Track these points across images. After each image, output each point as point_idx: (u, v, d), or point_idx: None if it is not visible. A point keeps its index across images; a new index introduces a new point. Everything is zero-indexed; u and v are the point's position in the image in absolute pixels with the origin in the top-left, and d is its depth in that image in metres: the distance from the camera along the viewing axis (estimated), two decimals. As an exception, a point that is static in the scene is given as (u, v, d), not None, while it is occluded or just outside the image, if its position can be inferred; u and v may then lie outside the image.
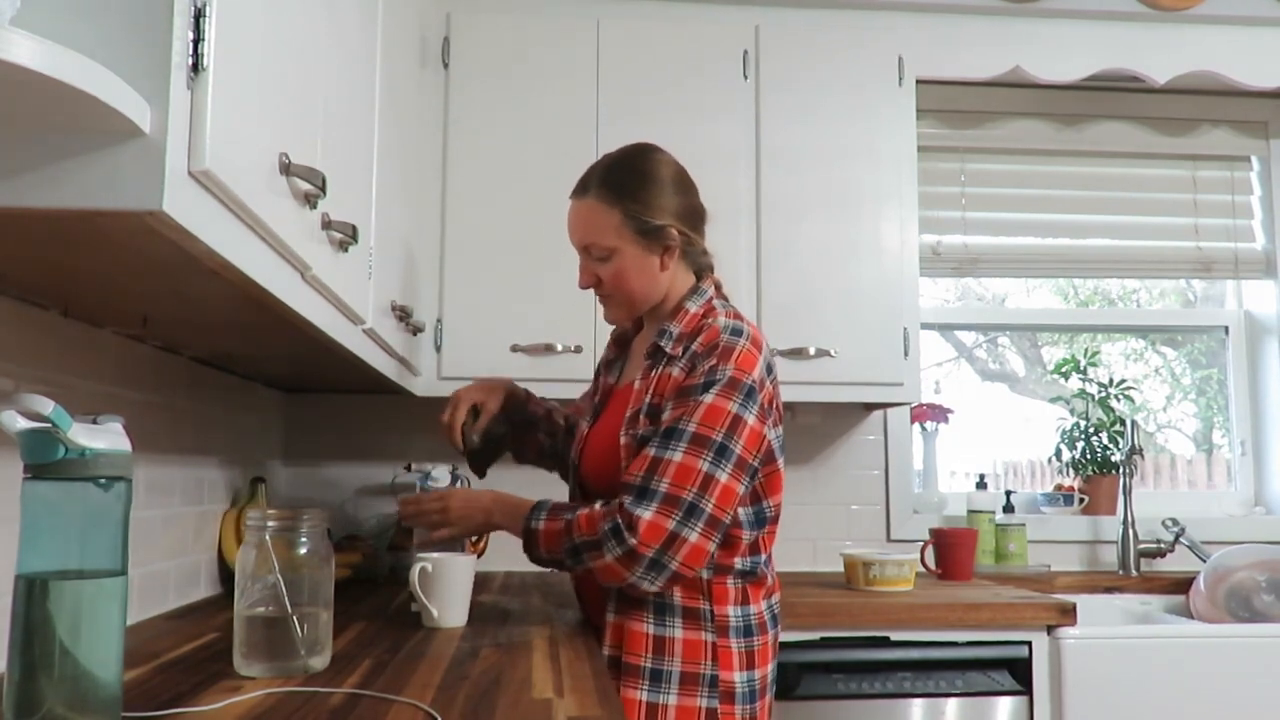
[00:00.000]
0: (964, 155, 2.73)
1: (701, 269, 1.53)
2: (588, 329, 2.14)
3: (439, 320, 2.13)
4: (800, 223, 2.22)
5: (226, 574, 1.89)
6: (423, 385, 2.12)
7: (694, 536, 1.29)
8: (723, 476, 1.31)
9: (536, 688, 1.08)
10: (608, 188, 1.46)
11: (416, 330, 1.88)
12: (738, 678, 1.36)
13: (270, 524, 1.11)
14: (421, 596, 1.45)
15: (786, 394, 2.16)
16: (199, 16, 0.73)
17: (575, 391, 2.16)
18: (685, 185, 1.50)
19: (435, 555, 1.48)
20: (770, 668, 1.42)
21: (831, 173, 2.23)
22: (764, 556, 1.44)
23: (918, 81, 2.31)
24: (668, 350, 1.42)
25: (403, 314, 1.69)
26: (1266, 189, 2.76)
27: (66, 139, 0.69)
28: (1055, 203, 2.74)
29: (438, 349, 2.13)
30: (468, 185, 2.16)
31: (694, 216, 1.50)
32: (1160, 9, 2.39)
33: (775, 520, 1.45)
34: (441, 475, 1.90)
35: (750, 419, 1.34)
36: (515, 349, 2.13)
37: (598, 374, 1.69)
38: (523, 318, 2.14)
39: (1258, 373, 2.78)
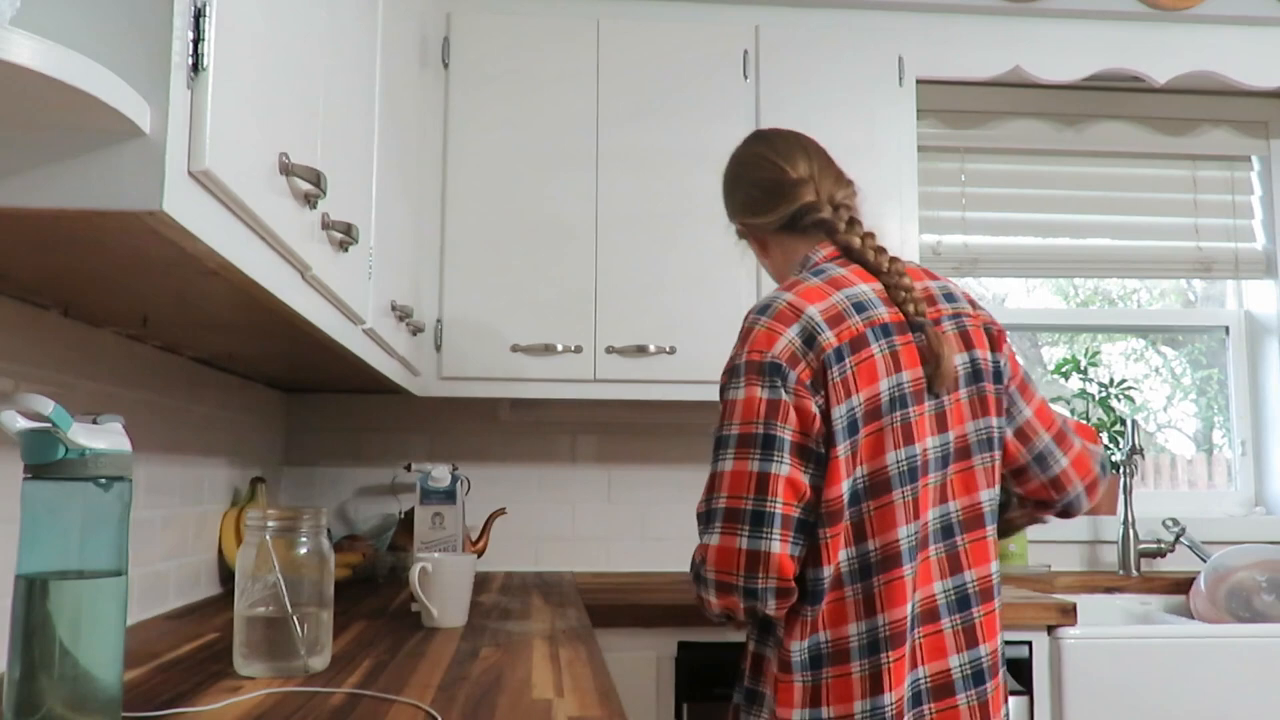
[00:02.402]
0: (964, 155, 2.72)
1: (808, 231, 1.39)
2: (588, 329, 2.14)
3: (439, 320, 2.13)
4: (800, 223, 2.22)
5: (226, 574, 1.89)
6: (423, 385, 2.12)
7: (763, 545, 1.17)
8: (778, 468, 1.18)
9: (536, 688, 1.08)
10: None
11: (416, 330, 1.88)
12: (795, 715, 1.20)
13: (270, 524, 1.11)
14: (421, 596, 1.45)
15: (786, 394, 2.16)
16: (199, 16, 0.73)
17: (575, 391, 2.17)
18: (741, 173, 1.47)
19: (435, 555, 1.48)
20: (859, 705, 1.19)
21: (831, 173, 2.23)
22: (827, 570, 1.20)
23: (918, 81, 2.31)
24: None
25: (403, 314, 1.69)
26: (1267, 189, 2.76)
27: (66, 139, 0.69)
28: (1055, 203, 2.74)
29: (438, 349, 2.13)
30: (468, 185, 2.16)
31: (754, 200, 1.43)
32: (1160, 9, 2.39)
33: (839, 518, 1.20)
34: (442, 475, 1.90)
35: (775, 395, 1.21)
36: (515, 349, 2.13)
37: None
38: (523, 318, 2.14)
39: (1258, 373, 2.78)
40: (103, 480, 0.79)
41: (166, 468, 1.62)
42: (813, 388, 1.21)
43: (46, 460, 0.77)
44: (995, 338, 1.36)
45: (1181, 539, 2.51)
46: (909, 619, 1.21)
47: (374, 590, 1.96)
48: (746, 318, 1.28)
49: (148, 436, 1.54)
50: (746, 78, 2.24)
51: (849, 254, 1.35)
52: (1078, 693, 1.87)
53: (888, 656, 1.19)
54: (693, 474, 2.49)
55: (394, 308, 1.65)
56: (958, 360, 1.30)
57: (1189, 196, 2.77)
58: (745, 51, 2.24)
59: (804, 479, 1.19)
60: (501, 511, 2.29)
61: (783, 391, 1.20)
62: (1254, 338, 2.80)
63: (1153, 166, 2.77)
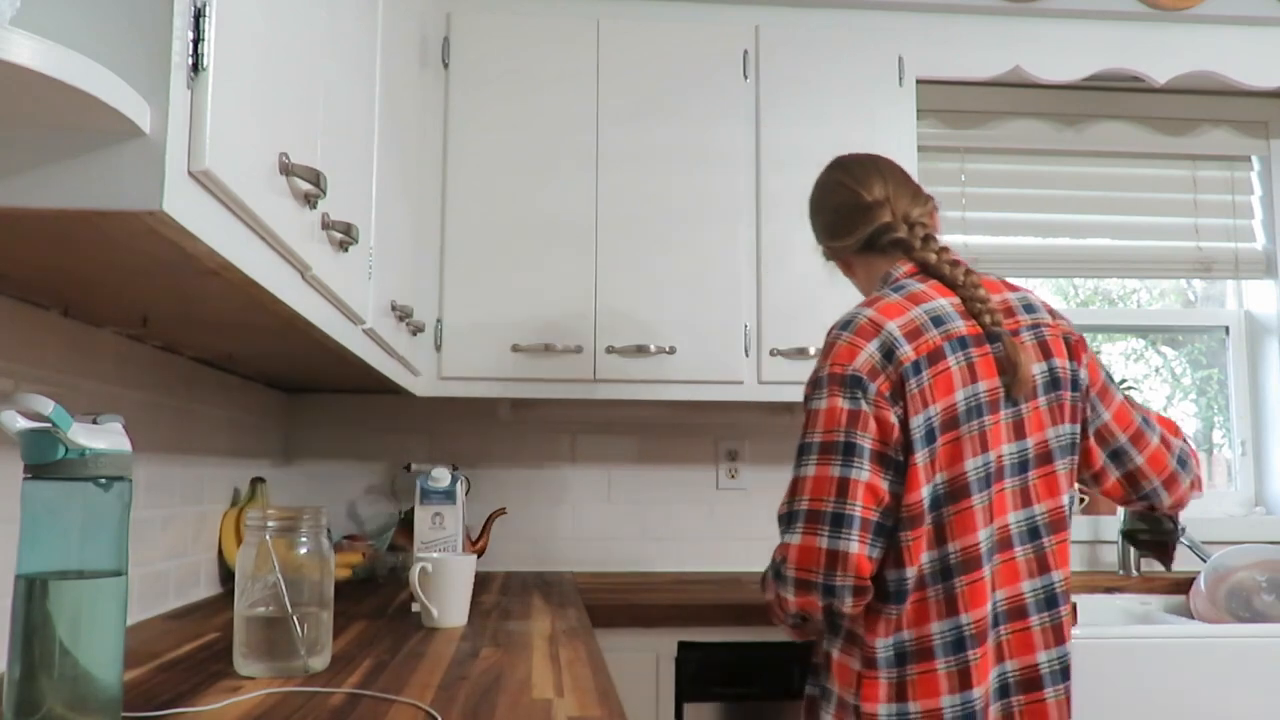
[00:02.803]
0: (964, 155, 2.72)
1: (887, 249, 1.48)
2: (588, 329, 2.14)
3: (439, 320, 2.13)
4: (800, 223, 2.21)
5: (226, 574, 1.89)
6: (423, 385, 2.12)
7: (841, 545, 1.24)
8: (858, 474, 1.26)
9: (536, 688, 1.08)
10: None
11: (416, 330, 1.88)
12: (882, 710, 1.26)
13: (270, 524, 1.11)
14: (421, 596, 1.45)
15: (787, 394, 2.17)
16: (199, 16, 0.73)
17: (575, 391, 2.17)
18: (823, 199, 1.56)
19: (435, 555, 1.48)
20: (948, 700, 1.25)
21: (831, 173, 2.23)
22: (909, 572, 1.27)
23: (918, 81, 2.31)
24: None
25: (403, 314, 1.69)
26: (1267, 189, 2.76)
27: (66, 139, 0.69)
28: (1055, 203, 2.74)
29: (438, 349, 2.13)
30: (468, 185, 2.16)
31: (835, 224, 1.53)
32: (1160, 9, 2.39)
33: (919, 522, 1.28)
34: (441, 475, 1.90)
35: (856, 405, 1.28)
36: (515, 349, 2.13)
37: None
38: (523, 318, 2.14)
39: (1258, 373, 2.78)
40: (103, 480, 0.79)
41: (166, 468, 1.62)
42: (892, 399, 1.28)
43: (46, 460, 0.77)
44: (1074, 347, 1.42)
45: (1181, 539, 2.51)
46: (990, 616, 1.28)
47: (374, 590, 1.96)
48: (829, 333, 1.36)
49: (148, 436, 1.54)
50: (746, 78, 2.24)
51: (926, 270, 1.42)
52: (1078, 693, 1.86)
53: (974, 654, 1.26)
54: (692, 474, 2.49)
55: (394, 308, 1.65)
56: (1036, 369, 1.37)
57: (1189, 196, 2.77)
58: (745, 51, 2.25)
59: (883, 485, 1.26)
60: (501, 511, 2.29)
61: (863, 402, 1.28)
62: (1254, 338, 2.80)
63: (1153, 166, 2.77)
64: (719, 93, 2.23)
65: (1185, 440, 1.54)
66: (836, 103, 2.26)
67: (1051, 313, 1.44)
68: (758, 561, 2.47)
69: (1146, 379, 2.93)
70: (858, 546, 1.24)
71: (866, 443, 1.27)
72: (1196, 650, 1.92)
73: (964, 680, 1.25)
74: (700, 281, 2.17)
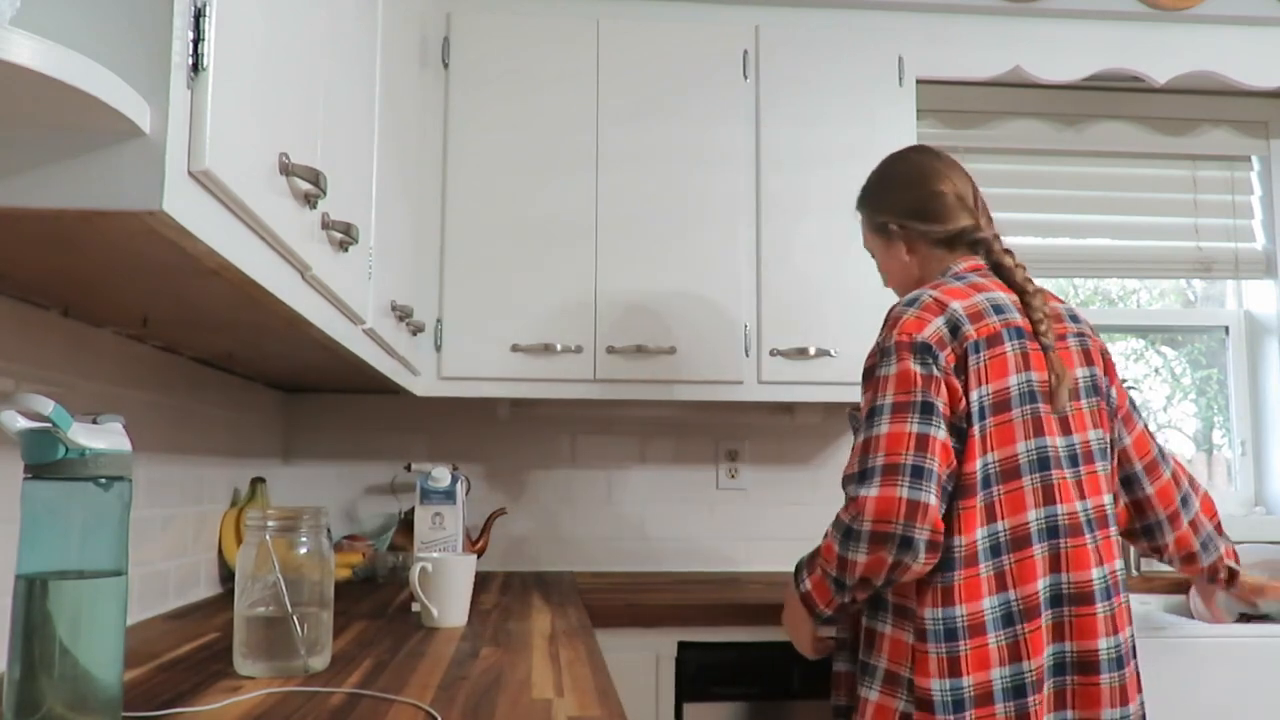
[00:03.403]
0: (964, 155, 2.72)
1: (956, 247, 1.53)
2: (588, 329, 2.14)
3: (439, 320, 2.13)
4: (800, 223, 2.22)
5: (226, 574, 1.89)
6: (423, 385, 2.12)
7: (922, 496, 1.25)
8: (935, 432, 1.29)
9: (536, 688, 1.08)
10: (859, 195, 1.66)
11: (416, 330, 1.88)
12: (935, 685, 1.27)
13: (270, 524, 1.11)
14: (421, 596, 1.45)
15: (785, 394, 2.17)
16: (199, 16, 0.73)
17: (575, 391, 2.17)
18: (911, 179, 1.57)
19: (435, 555, 1.48)
20: (998, 672, 1.28)
21: (831, 173, 2.23)
22: (960, 540, 1.30)
23: (918, 81, 2.31)
24: None
25: (403, 314, 1.69)
26: (1267, 189, 2.76)
27: (66, 139, 0.69)
28: (1055, 203, 2.74)
29: (438, 349, 2.13)
30: (468, 185, 2.16)
31: (921, 208, 1.54)
32: (1160, 9, 2.39)
33: (972, 493, 1.31)
34: (441, 475, 1.90)
35: (929, 370, 1.32)
36: (515, 349, 2.13)
37: None
38: (523, 318, 2.14)
39: (1258, 373, 2.78)
40: (103, 480, 0.79)
41: (166, 468, 1.62)
42: (957, 371, 1.34)
43: (46, 460, 0.77)
44: (1108, 364, 1.51)
45: (1181, 539, 2.51)
46: (1049, 595, 1.32)
47: (374, 590, 1.96)
48: (893, 309, 1.40)
49: (148, 436, 1.54)
50: (746, 78, 2.24)
51: (997, 271, 1.49)
52: (1078, 693, 1.86)
53: (1024, 628, 1.29)
54: (693, 474, 2.49)
55: (394, 308, 1.65)
56: (1079, 373, 1.44)
57: (1189, 196, 2.77)
58: (745, 51, 2.25)
59: (952, 447, 1.31)
60: (501, 511, 2.29)
61: (934, 368, 1.33)
62: (1254, 338, 2.80)
63: (1153, 166, 2.77)
64: (719, 93, 2.23)
65: (1194, 484, 1.60)
66: (836, 103, 2.26)
67: (1092, 328, 1.53)
68: (758, 561, 2.48)
69: (1146, 379, 2.93)
70: (935, 500, 1.26)
71: (939, 404, 1.30)
72: (1196, 650, 1.92)
73: (1014, 653, 1.28)
74: (700, 281, 2.17)
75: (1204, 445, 2.90)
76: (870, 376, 1.36)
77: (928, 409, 1.29)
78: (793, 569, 1.41)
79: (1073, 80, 2.39)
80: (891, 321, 1.38)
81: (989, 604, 1.30)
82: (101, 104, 0.65)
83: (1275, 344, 2.74)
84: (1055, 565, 1.33)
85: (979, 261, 1.50)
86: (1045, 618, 1.31)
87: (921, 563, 1.26)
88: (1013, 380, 1.35)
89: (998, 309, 1.39)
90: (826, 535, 1.33)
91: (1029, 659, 1.28)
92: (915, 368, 1.31)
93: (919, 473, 1.26)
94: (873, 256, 1.64)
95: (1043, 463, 1.34)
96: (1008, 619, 1.30)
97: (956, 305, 1.38)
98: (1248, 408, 2.78)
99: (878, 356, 1.36)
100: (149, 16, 0.70)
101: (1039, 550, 1.32)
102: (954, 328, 1.35)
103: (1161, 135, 2.75)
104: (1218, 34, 2.41)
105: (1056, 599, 1.33)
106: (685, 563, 2.46)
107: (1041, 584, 1.31)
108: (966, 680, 1.27)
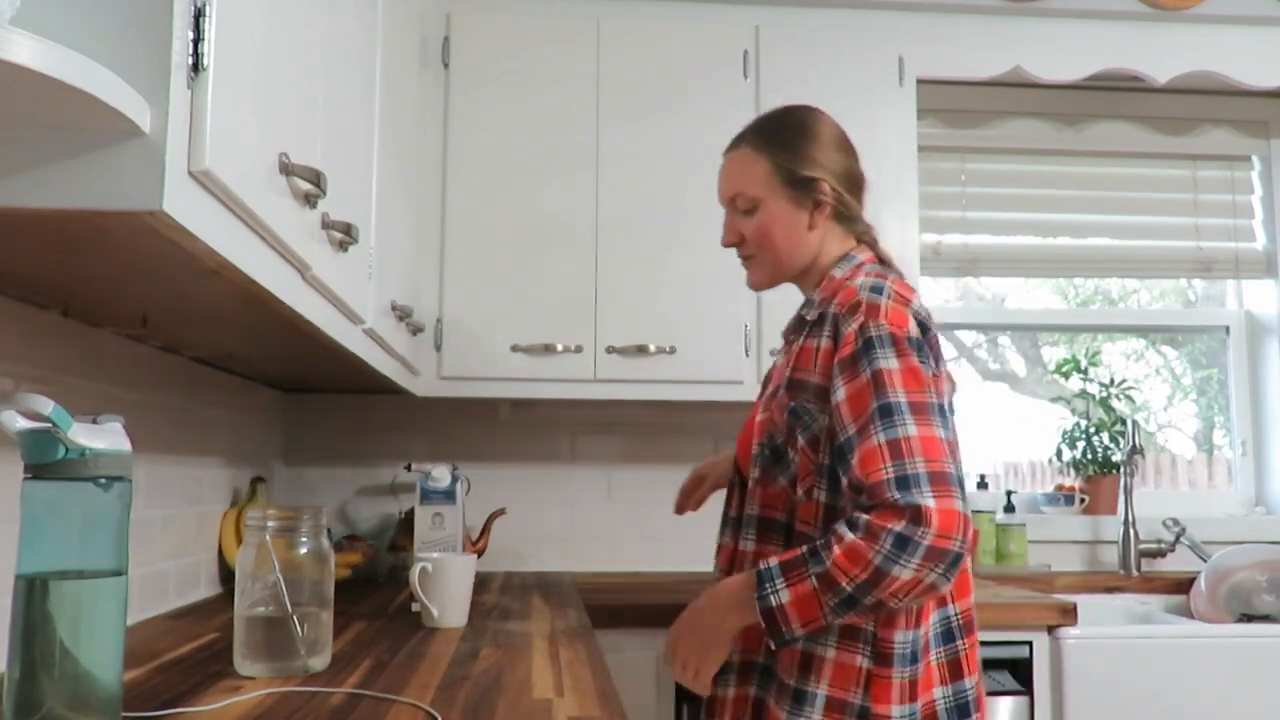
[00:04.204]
0: (964, 155, 2.72)
1: (859, 239, 1.38)
2: (588, 329, 2.14)
3: (439, 320, 2.13)
4: (800, 223, 2.22)
5: (226, 574, 1.89)
6: (423, 385, 2.12)
7: (969, 511, 1.11)
8: (953, 437, 1.16)
9: (536, 688, 1.08)
10: (760, 136, 1.37)
11: (416, 330, 1.88)
12: (896, 712, 1.15)
13: (270, 524, 1.11)
14: (421, 596, 1.45)
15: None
16: (199, 16, 0.73)
17: (575, 392, 2.17)
18: (846, 146, 1.39)
19: (435, 555, 1.48)
20: (941, 691, 1.20)
21: (832, 173, 2.23)
22: None
23: (918, 81, 2.31)
24: (808, 319, 1.30)
25: (403, 314, 1.69)
26: (1267, 189, 2.76)
27: (66, 139, 0.69)
28: (1055, 203, 2.74)
29: (438, 349, 2.13)
30: (468, 185, 2.16)
31: (851, 180, 1.38)
32: (1160, 9, 2.39)
33: None
34: (442, 475, 1.90)
35: (930, 370, 1.18)
36: (515, 349, 2.13)
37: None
38: (523, 318, 2.14)
39: (1258, 373, 2.78)
40: (103, 480, 0.79)
41: (166, 468, 1.62)
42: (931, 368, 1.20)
43: (46, 460, 0.77)
44: None
45: (1182, 539, 2.51)
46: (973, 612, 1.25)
47: (374, 590, 1.96)
48: (860, 293, 1.22)
49: (148, 436, 1.54)
50: (746, 78, 2.24)
51: (887, 266, 1.35)
52: (1078, 693, 1.87)
53: (964, 643, 1.22)
54: (693, 474, 2.49)
55: (394, 308, 1.65)
56: None
57: (1189, 196, 2.77)
58: (745, 51, 2.24)
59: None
60: (501, 511, 2.29)
61: (932, 367, 1.18)
62: (1254, 338, 2.80)
63: (1153, 166, 2.77)
64: (719, 93, 2.22)
65: None
66: (836, 103, 2.24)
67: None
68: (758, 561, 2.47)
69: (1147, 379, 2.93)
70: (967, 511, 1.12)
71: (946, 408, 1.18)
72: (1196, 650, 1.92)
73: (955, 671, 1.20)
74: (700, 281, 2.17)
75: (1204, 445, 2.90)
76: (854, 366, 1.17)
77: (942, 412, 1.15)
78: (755, 579, 1.14)
79: (1073, 80, 2.39)
80: (870, 308, 1.19)
81: (933, 619, 1.21)
82: (101, 104, 0.65)
83: (1275, 344, 2.74)
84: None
85: (872, 255, 1.36)
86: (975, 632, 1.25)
87: (948, 586, 1.12)
88: (948, 389, 1.24)
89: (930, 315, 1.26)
90: (836, 544, 1.10)
91: (969, 675, 1.21)
92: (919, 365, 1.16)
93: (962, 485, 1.12)
94: (746, 211, 1.37)
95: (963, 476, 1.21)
96: (948, 635, 1.21)
97: (916, 303, 1.24)
98: (1248, 408, 2.77)
99: (860, 345, 1.17)
100: (149, 16, 0.70)
101: (969, 563, 1.26)
102: (923, 325, 1.21)
103: (1162, 135, 2.75)
104: (1218, 34, 2.41)
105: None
106: (685, 563, 2.46)
107: (973, 598, 1.26)
108: (918, 704, 1.17)
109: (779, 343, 2.17)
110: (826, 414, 1.21)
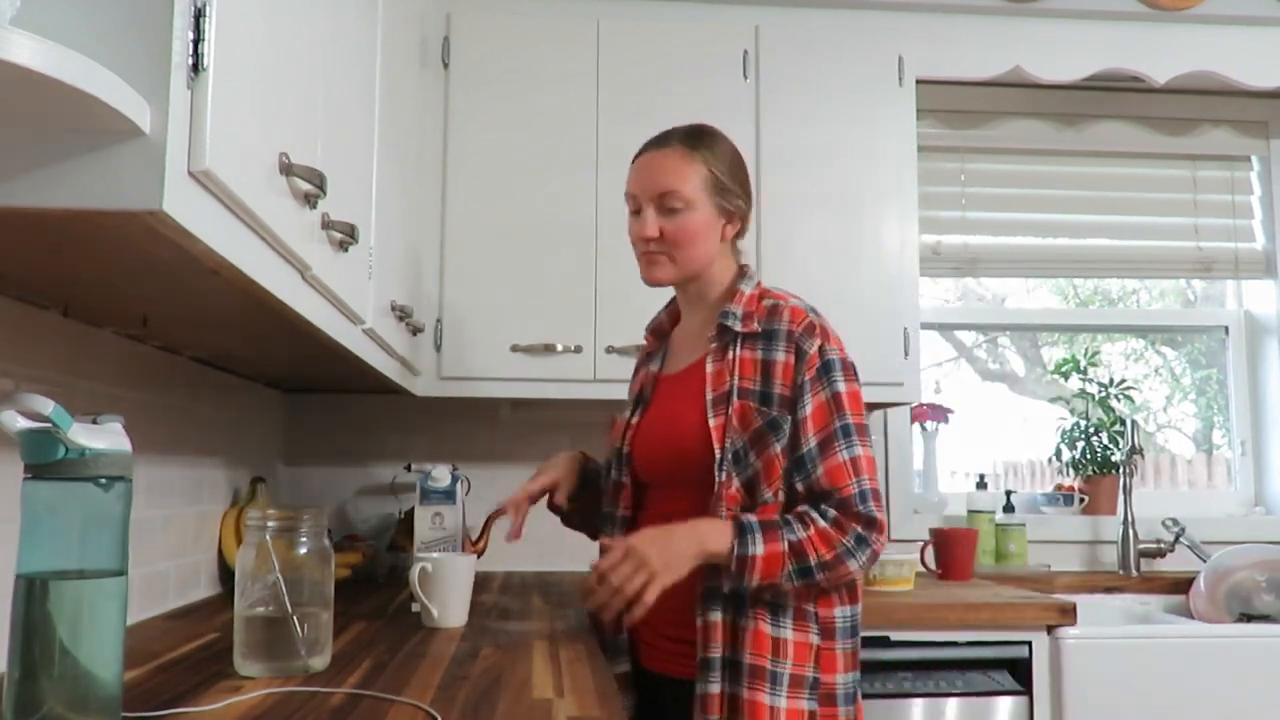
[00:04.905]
0: (964, 155, 2.72)
1: (740, 262, 1.52)
2: (588, 329, 2.14)
3: (439, 320, 2.13)
4: (800, 223, 2.22)
5: (226, 574, 1.89)
6: (423, 385, 2.12)
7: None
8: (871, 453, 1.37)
9: (536, 688, 1.08)
10: (695, 141, 1.45)
11: (416, 330, 1.88)
12: (840, 680, 1.33)
13: (270, 524, 1.11)
14: (421, 596, 1.45)
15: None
16: (199, 16, 0.73)
17: (575, 391, 2.17)
18: (744, 170, 1.51)
19: (435, 555, 1.48)
20: (842, 678, 1.36)
21: (831, 173, 2.23)
22: None
23: (918, 81, 2.31)
24: (738, 329, 1.40)
25: (403, 314, 1.69)
26: (1267, 189, 2.76)
27: (66, 139, 0.69)
28: (1055, 203, 2.74)
29: (438, 349, 2.13)
30: (468, 185, 2.16)
31: (749, 198, 1.51)
32: (1160, 9, 2.39)
33: None
34: (442, 475, 1.90)
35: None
36: (515, 349, 2.13)
37: (636, 370, 1.68)
38: (523, 318, 2.14)
39: (1258, 373, 2.78)
40: (103, 480, 0.79)
41: (166, 468, 1.62)
42: None
43: (46, 460, 0.77)
44: None
45: (1181, 539, 2.51)
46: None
47: (374, 590, 1.96)
48: (810, 312, 1.39)
49: (148, 436, 1.54)
50: (746, 78, 2.24)
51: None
52: (1078, 693, 1.87)
53: (858, 641, 1.39)
54: (693, 474, 2.49)
55: (394, 308, 1.65)
56: None
57: (1189, 196, 2.77)
58: (745, 51, 2.24)
59: None
60: (502, 511, 2.28)
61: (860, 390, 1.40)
62: (1254, 338, 2.80)
63: (1153, 166, 2.77)
64: (719, 93, 2.22)
65: None
66: (836, 102, 2.26)
67: None
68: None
69: (1146, 379, 2.93)
70: None
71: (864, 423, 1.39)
72: (1196, 650, 1.92)
73: (848, 663, 1.36)
74: (700, 281, 2.17)
75: (1204, 445, 2.90)
76: (817, 384, 1.34)
77: (868, 432, 1.37)
78: (736, 528, 1.28)
79: (1073, 80, 2.39)
80: (822, 330, 1.37)
81: (855, 611, 1.39)
82: (101, 104, 0.65)
83: (1275, 344, 2.74)
84: None
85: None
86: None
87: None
88: None
89: None
90: (811, 524, 1.28)
91: (856, 670, 1.37)
92: (859, 390, 1.38)
93: (880, 497, 1.35)
94: (670, 209, 1.42)
95: None
96: (853, 630, 1.38)
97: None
98: (1248, 408, 2.78)
99: (821, 365, 1.35)
100: (149, 16, 0.70)
101: None
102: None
103: (1161, 135, 2.75)
104: (1218, 34, 2.41)
105: None
106: (685, 563, 2.45)
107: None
108: (856, 674, 1.37)
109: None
110: (790, 423, 1.35)
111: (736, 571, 1.28)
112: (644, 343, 1.68)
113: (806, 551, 1.28)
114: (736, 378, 1.37)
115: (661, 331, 1.62)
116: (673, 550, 1.29)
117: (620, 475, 1.52)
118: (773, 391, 1.35)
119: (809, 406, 1.33)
